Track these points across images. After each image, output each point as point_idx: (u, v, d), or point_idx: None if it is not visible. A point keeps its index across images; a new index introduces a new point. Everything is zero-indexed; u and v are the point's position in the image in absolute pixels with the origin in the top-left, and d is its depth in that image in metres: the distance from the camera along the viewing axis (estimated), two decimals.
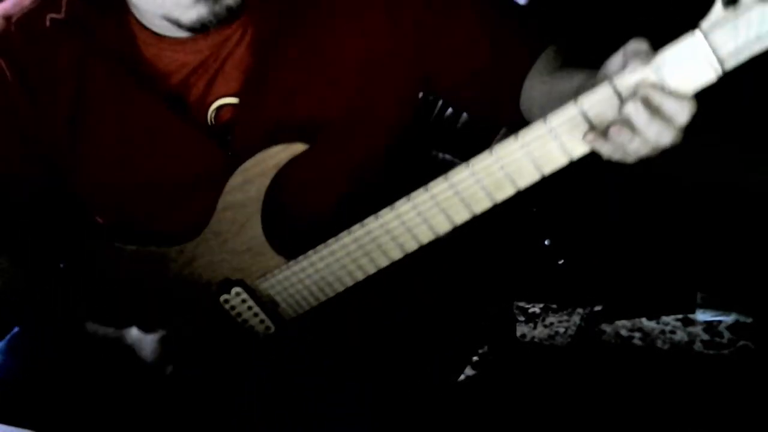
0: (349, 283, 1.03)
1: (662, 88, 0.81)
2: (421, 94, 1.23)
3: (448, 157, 1.43)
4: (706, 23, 0.78)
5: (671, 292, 2.02)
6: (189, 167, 1.06)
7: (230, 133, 1.05)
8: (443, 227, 0.95)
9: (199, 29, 0.97)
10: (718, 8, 0.77)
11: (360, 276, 1.02)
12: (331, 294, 1.05)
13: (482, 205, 0.92)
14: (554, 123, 0.85)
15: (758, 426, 1.67)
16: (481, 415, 1.76)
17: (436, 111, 1.48)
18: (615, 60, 0.84)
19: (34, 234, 1.15)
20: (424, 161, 1.27)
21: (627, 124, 0.82)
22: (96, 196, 1.11)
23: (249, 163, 1.01)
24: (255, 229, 1.04)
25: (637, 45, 0.82)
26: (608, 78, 0.83)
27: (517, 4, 1.15)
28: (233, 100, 1.05)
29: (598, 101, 0.83)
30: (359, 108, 1.05)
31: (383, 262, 1.00)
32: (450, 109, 1.47)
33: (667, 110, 0.81)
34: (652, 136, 0.82)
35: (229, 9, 0.95)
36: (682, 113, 0.82)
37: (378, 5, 1.03)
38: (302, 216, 1.08)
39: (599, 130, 0.84)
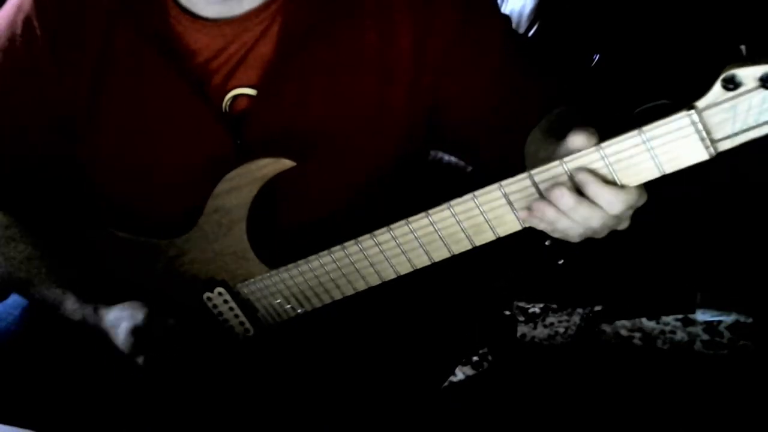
0: (327, 300, 1.04)
1: (602, 177, 0.80)
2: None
3: (453, 160, 1.42)
4: (702, 102, 0.74)
5: (671, 292, 2.02)
6: (197, 151, 1.05)
7: (243, 124, 1.04)
8: (422, 261, 0.95)
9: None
10: (717, 89, 0.74)
11: (338, 295, 1.03)
12: (309, 308, 1.05)
13: (462, 245, 0.92)
14: (508, 189, 0.86)
15: (758, 426, 1.68)
16: (481, 415, 1.76)
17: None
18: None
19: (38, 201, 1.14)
20: (423, 166, 1.26)
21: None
22: (102, 169, 1.10)
23: (236, 172, 1.01)
24: (240, 235, 1.04)
25: (582, 131, 0.80)
26: (560, 158, 0.81)
27: (542, 57, 1.13)
28: (251, 91, 1.04)
29: (550, 177, 0.83)
30: (370, 120, 1.05)
31: (361, 286, 1.01)
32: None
33: (601, 200, 0.80)
34: (579, 219, 0.81)
35: None
36: (615, 204, 0.80)
37: (408, 23, 1.02)
38: (291, 228, 1.07)
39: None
